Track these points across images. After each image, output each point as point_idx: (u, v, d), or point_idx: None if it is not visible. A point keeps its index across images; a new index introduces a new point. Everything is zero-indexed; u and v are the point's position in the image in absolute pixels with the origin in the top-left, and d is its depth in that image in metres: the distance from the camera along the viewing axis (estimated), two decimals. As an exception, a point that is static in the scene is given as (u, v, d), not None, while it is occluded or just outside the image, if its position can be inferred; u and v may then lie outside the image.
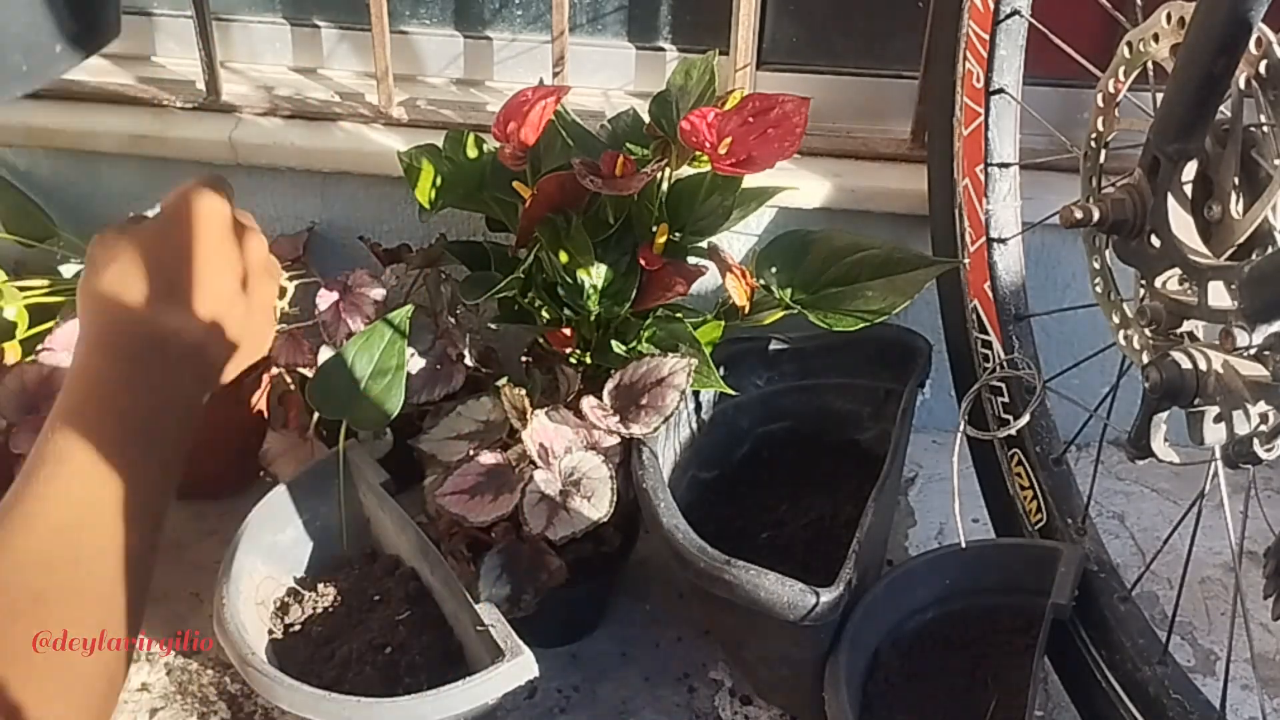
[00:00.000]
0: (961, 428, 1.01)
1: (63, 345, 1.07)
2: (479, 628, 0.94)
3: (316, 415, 1.16)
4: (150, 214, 0.74)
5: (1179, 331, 0.81)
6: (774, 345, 1.20)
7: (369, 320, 1.18)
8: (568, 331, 1.12)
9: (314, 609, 1.06)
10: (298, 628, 1.05)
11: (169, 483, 0.69)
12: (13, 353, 1.13)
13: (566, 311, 1.12)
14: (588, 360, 1.13)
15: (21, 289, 1.21)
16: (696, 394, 1.17)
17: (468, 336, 1.20)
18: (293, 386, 1.22)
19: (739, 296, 1.08)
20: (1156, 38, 0.80)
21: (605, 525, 1.02)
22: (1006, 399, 1.12)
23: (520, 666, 0.91)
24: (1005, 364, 1.11)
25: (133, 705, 1.07)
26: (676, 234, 1.11)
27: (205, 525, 1.11)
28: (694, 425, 1.18)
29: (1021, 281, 1.14)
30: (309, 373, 1.19)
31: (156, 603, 1.14)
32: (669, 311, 1.13)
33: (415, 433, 1.13)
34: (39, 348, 1.07)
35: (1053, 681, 1.07)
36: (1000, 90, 1.09)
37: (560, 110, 1.13)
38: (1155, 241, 0.81)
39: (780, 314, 1.10)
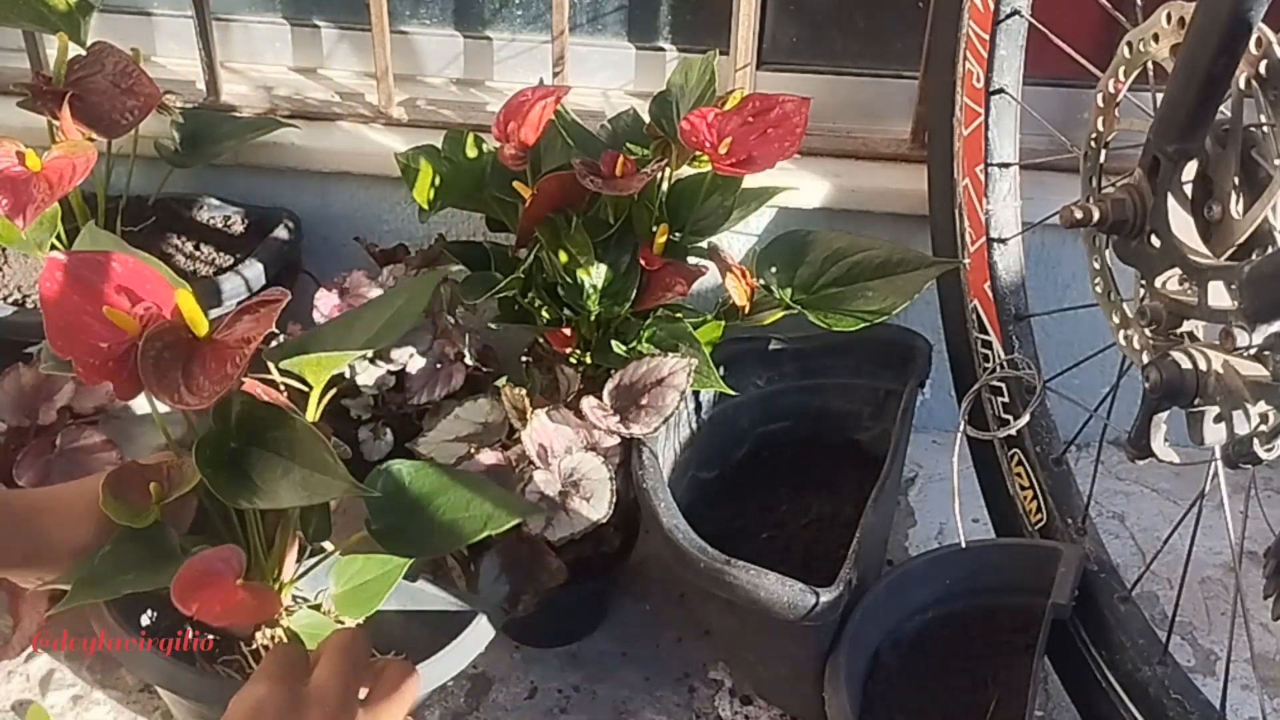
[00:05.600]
0: (961, 428, 1.01)
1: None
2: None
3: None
4: None
5: (1179, 331, 0.81)
6: (774, 345, 1.20)
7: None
8: (568, 331, 1.12)
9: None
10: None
11: None
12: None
13: (566, 311, 1.12)
14: (588, 360, 1.13)
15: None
16: (696, 394, 1.17)
17: (467, 336, 1.20)
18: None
19: (739, 296, 1.08)
20: (1156, 38, 0.80)
21: (605, 525, 1.02)
22: (1006, 399, 1.12)
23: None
24: (1005, 364, 1.11)
25: None
26: (676, 234, 1.11)
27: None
28: (694, 425, 1.18)
29: (1021, 281, 1.14)
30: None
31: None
32: (669, 311, 1.13)
33: (415, 434, 1.13)
34: (36, 349, 1.07)
35: (1053, 681, 1.07)
36: (1000, 90, 1.09)
37: (560, 110, 1.13)
38: (1155, 241, 0.81)
39: (780, 314, 1.10)
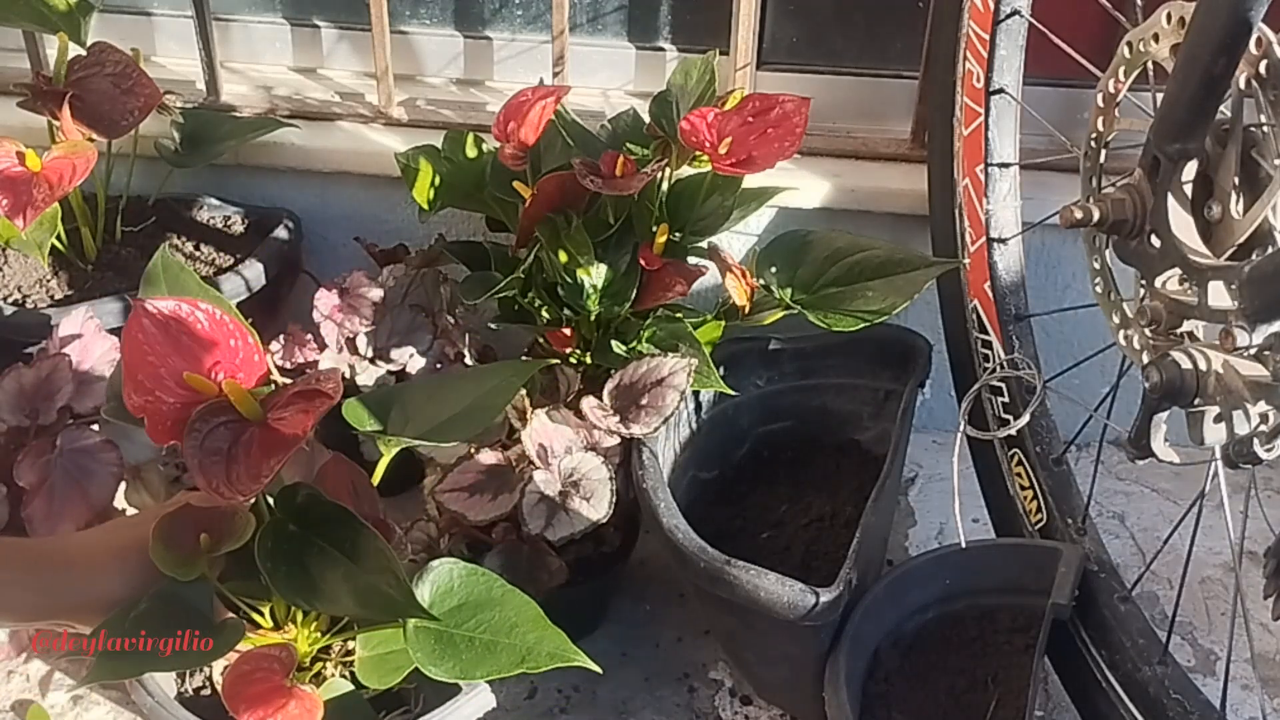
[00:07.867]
0: (961, 428, 1.01)
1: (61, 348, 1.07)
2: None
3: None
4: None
5: (1179, 331, 0.81)
6: (774, 345, 1.20)
7: (368, 322, 1.19)
8: (568, 331, 1.12)
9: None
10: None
11: None
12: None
13: (566, 311, 1.12)
14: (588, 360, 1.13)
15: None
16: (696, 394, 1.17)
17: (467, 336, 1.20)
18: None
19: (739, 296, 1.08)
20: (1156, 38, 0.80)
21: (605, 525, 1.02)
22: (1006, 399, 1.12)
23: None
24: (1005, 364, 1.11)
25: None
26: (676, 234, 1.11)
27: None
28: (694, 425, 1.18)
29: (1021, 281, 1.14)
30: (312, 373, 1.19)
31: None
32: (669, 311, 1.13)
33: (415, 433, 1.13)
34: (36, 348, 1.07)
35: (1053, 681, 1.07)
36: (1000, 90, 1.09)
37: (560, 110, 1.14)
38: (1155, 241, 0.81)
39: (780, 314, 1.10)
